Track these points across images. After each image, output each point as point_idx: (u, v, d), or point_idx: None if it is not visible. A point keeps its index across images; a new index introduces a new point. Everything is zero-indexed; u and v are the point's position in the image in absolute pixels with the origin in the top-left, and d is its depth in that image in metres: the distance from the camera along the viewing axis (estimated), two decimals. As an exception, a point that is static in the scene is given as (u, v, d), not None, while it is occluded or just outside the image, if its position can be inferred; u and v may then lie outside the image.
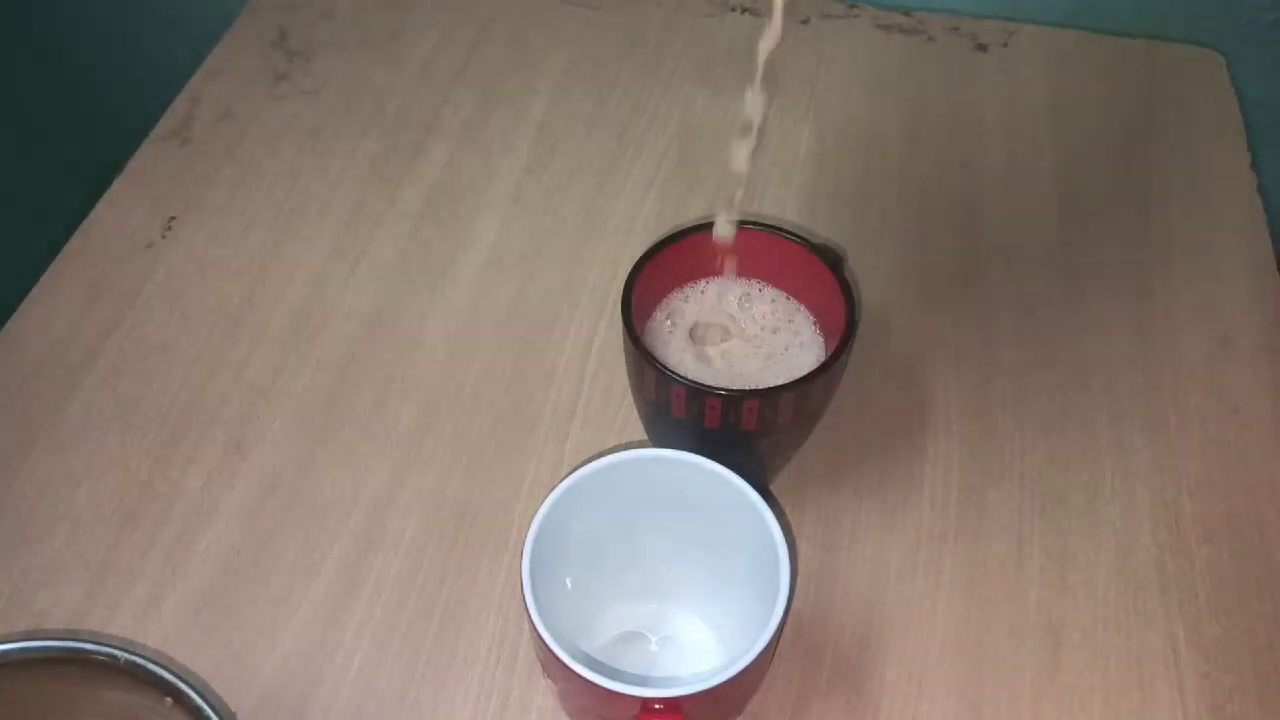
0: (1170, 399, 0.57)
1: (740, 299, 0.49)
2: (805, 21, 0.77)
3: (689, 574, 0.47)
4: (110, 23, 0.98)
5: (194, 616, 0.49)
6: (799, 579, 0.50)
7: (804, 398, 0.44)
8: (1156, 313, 0.60)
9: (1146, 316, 0.60)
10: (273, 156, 0.68)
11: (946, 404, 0.56)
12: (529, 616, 0.39)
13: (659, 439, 0.51)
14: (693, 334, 0.47)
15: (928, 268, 0.63)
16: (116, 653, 0.41)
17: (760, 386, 0.44)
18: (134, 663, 0.41)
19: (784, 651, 0.48)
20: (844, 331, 0.45)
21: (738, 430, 0.44)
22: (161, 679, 0.41)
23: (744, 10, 0.77)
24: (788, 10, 0.39)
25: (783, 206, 0.65)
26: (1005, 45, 0.75)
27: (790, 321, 0.48)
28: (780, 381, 0.44)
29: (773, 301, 0.49)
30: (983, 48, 0.75)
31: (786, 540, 0.40)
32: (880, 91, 0.72)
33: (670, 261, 0.48)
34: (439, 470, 0.54)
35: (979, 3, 0.77)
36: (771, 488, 0.53)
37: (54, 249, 0.63)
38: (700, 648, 0.47)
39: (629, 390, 0.49)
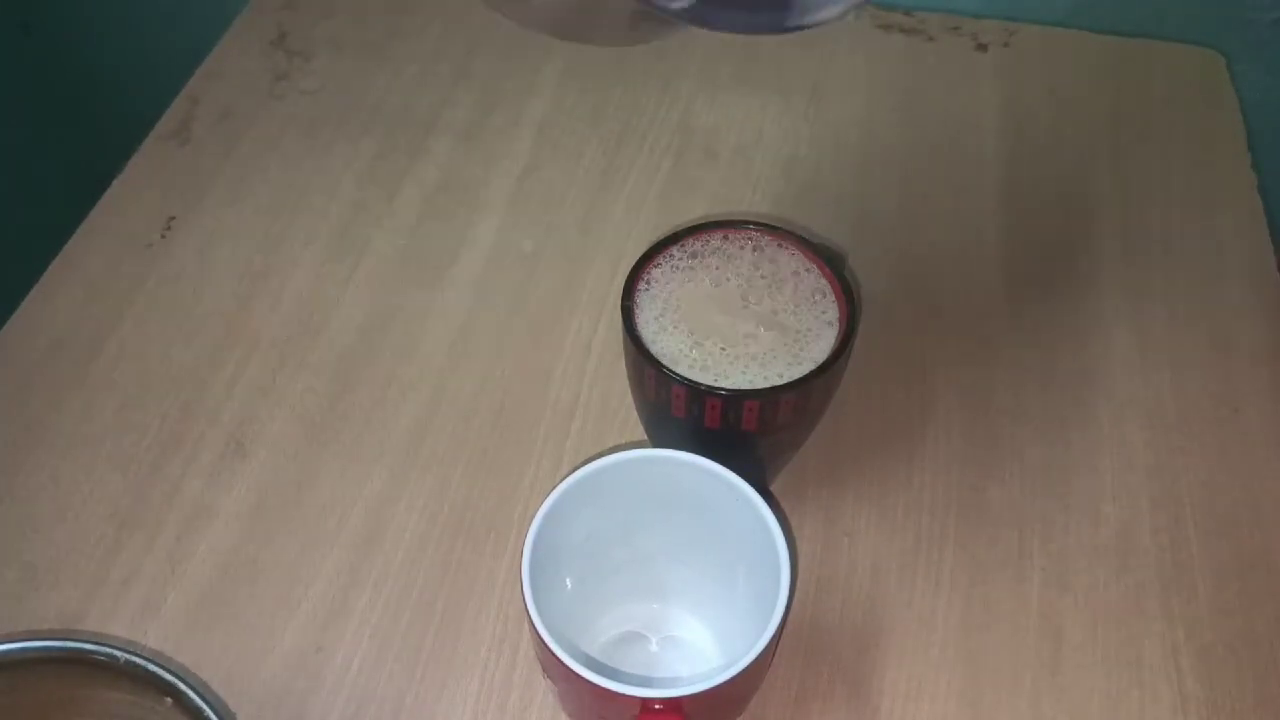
0: (1170, 399, 0.57)
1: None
2: (805, 21, 0.76)
3: (689, 574, 0.47)
4: (110, 22, 0.98)
5: (194, 617, 0.49)
6: (799, 579, 0.50)
7: (804, 398, 0.44)
8: (1156, 313, 0.60)
9: (1146, 316, 0.60)
10: (272, 156, 0.68)
11: (946, 404, 0.56)
12: (529, 616, 0.39)
13: (659, 439, 0.51)
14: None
15: (928, 267, 0.63)
16: (116, 653, 0.41)
17: (761, 386, 0.44)
18: (134, 663, 0.41)
19: (784, 651, 0.48)
20: (844, 331, 0.45)
21: (738, 430, 0.44)
22: (161, 679, 0.41)
23: (744, 10, 0.77)
24: None
25: (783, 206, 0.65)
26: (1005, 45, 0.75)
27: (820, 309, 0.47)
28: (778, 380, 0.44)
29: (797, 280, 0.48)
30: (983, 48, 0.75)
31: (786, 540, 0.40)
32: (880, 91, 0.72)
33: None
34: (439, 470, 0.54)
35: (979, 3, 0.77)
36: (771, 488, 0.53)
37: (54, 249, 0.63)
38: (700, 648, 0.47)
39: (629, 390, 0.49)
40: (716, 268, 0.48)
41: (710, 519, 0.44)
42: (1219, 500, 0.53)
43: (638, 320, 0.46)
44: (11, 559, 0.51)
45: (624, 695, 0.37)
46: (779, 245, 0.48)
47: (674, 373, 0.44)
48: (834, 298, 0.47)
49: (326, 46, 0.75)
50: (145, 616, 0.49)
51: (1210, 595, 0.50)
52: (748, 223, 0.49)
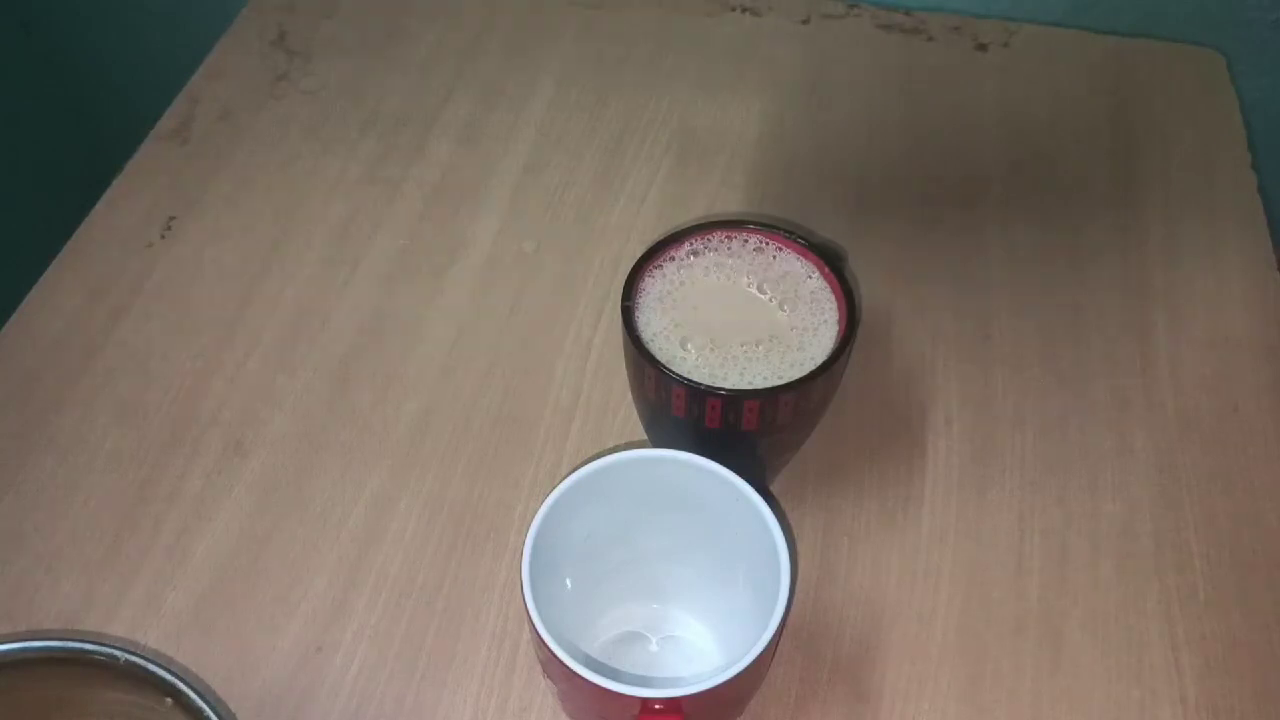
0: (1170, 399, 0.57)
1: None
2: (805, 21, 0.77)
3: (689, 574, 0.47)
4: (110, 23, 0.98)
5: (194, 616, 0.49)
6: (799, 579, 0.50)
7: (804, 398, 0.44)
8: (1156, 313, 0.60)
9: (1146, 316, 0.60)
10: (273, 156, 0.68)
11: (946, 403, 0.57)
12: (529, 617, 0.39)
13: (659, 439, 0.51)
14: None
15: (928, 267, 0.63)
16: (116, 653, 0.41)
17: (760, 386, 0.44)
18: (134, 663, 0.41)
19: (784, 651, 0.48)
20: (844, 331, 0.45)
21: (738, 430, 0.44)
22: (161, 679, 0.40)
23: (744, 10, 0.77)
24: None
25: (784, 206, 0.65)
26: (1005, 45, 0.75)
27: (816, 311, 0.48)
28: (776, 380, 0.44)
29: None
30: (983, 48, 0.75)
31: (786, 540, 0.40)
32: (880, 91, 0.72)
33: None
34: (439, 470, 0.54)
35: (979, 3, 0.77)
36: (771, 488, 0.53)
37: (54, 249, 0.63)
38: (700, 648, 0.47)
39: (629, 390, 0.49)
40: (716, 267, 0.48)
41: (710, 519, 0.44)
42: (1219, 499, 0.53)
43: (638, 320, 0.46)
44: (12, 559, 0.51)
45: (624, 695, 0.37)
46: (779, 245, 0.48)
47: (674, 373, 0.44)
48: (834, 298, 0.47)
49: (326, 46, 0.75)
50: (145, 616, 0.49)
51: (1210, 595, 0.50)
52: (748, 222, 0.49)
